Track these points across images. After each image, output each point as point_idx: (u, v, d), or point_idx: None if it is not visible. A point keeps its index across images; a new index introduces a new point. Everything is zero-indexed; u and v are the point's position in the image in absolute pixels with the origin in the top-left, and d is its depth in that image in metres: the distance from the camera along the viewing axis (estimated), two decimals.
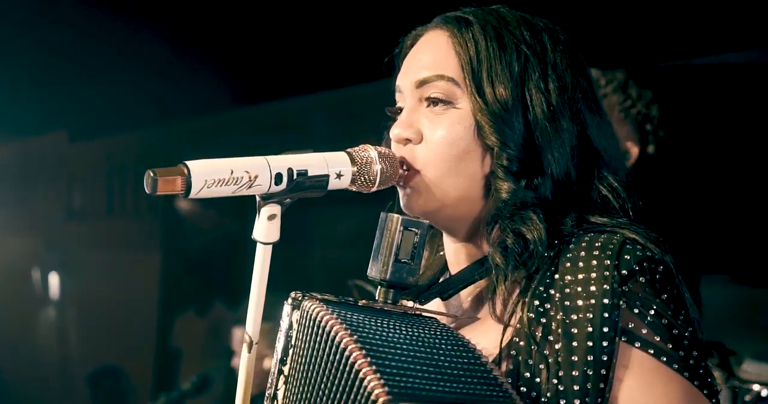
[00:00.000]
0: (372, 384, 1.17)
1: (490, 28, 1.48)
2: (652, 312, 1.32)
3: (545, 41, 1.50)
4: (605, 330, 1.30)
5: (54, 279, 8.14)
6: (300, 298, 1.43)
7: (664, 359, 1.31)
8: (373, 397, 1.17)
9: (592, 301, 1.32)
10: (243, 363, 1.48)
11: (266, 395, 1.49)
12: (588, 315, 1.31)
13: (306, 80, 6.73)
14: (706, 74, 4.67)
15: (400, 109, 1.55)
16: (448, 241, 1.56)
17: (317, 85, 6.79)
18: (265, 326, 1.40)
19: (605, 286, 1.32)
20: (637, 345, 1.31)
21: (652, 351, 1.31)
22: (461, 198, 1.47)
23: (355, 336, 1.26)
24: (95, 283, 7.80)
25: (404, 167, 1.49)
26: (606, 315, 1.31)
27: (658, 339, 1.31)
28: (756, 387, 3.21)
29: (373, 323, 1.33)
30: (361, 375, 1.21)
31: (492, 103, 1.43)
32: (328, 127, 7.05)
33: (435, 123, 1.47)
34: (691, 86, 4.54)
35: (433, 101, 1.49)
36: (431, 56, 1.51)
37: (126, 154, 8.20)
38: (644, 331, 1.31)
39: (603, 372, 1.30)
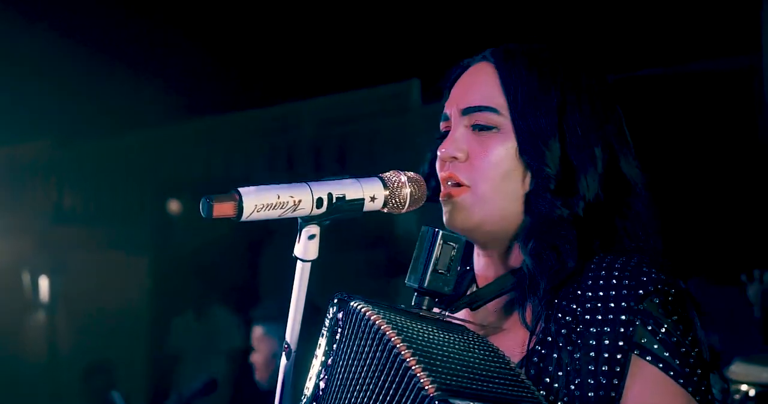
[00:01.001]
0: (423, 380, 1.29)
1: (533, 62, 1.60)
2: (663, 330, 1.44)
3: (581, 76, 1.61)
4: (620, 343, 1.43)
5: (44, 283, 8.18)
6: (346, 299, 1.55)
7: (671, 373, 1.43)
8: (424, 392, 1.29)
9: (610, 316, 1.45)
10: (281, 368, 1.61)
11: (306, 387, 1.59)
12: (605, 328, 1.45)
13: (297, 86, 6.82)
14: (652, 85, 4.80)
15: (446, 134, 1.66)
16: (479, 256, 1.68)
17: (308, 91, 6.88)
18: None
19: (623, 304, 1.44)
20: (648, 359, 1.44)
21: (661, 366, 1.43)
22: (502, 215, 1.59)
23: (402, 336, 1.38)
24: (85, 286, 7.84)
25: (450, 183, 1.61)
26: (622, 330, 1.44)
27: (667, 354, 1.43)
28: (744, 387, 3.34)
29: (415, 325, 1.46)
30: (410, 372, 1.33)
31: (533, 128, 1.56)
32: (317, 133, 7.13)
33: (480, 144, 1.59)
34: (639, 97, 4.67)
35: (479, 126, 1.61)
36: (478, 87, 1.62)
37: (115, 158, 8.24)
38: (655, 347, 1.43)
39: (615, 381, 1.43)
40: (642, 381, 1.45)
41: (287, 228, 1.56)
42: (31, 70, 6.69)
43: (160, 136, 7.88)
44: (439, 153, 1.63)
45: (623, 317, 1.45)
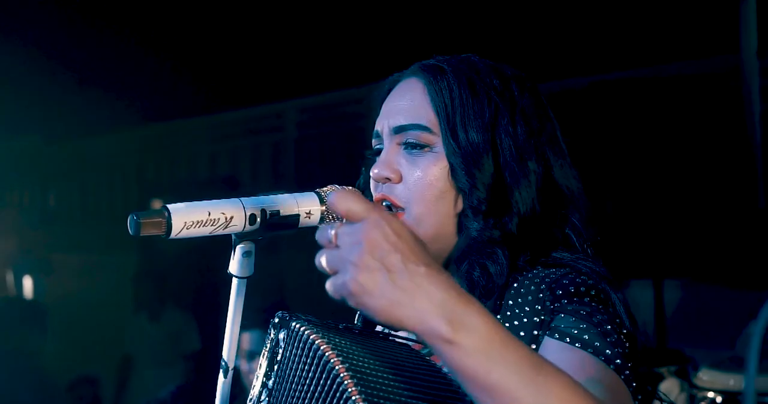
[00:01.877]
0: (354, 397, 1.29)
1: (463, 76, 1.57)
2: (574, 318, 1.42)
3: (513, 88, 1.58)
4: (535, 332, 1.44)
5: (28, 282, 8.15)
6: (287, 318, 1.52)
7: (578, 345, 1.39)
8: None
9: (525, 320, 1.45)
10: (219, 386, 1.59)
11: None
12: (521, 333, 1.45)
13: (280, 87, 6.80)
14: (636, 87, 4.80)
15: (379, 151, 1.64)
16: None
17: (291, 91, 6.87)
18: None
19: (537, 306, 1.45)
20: (556, 337, 1.41)
21: (568, 340, 1.40)
22: (437, 235, 1.57)
23: (342, 357, 1.36)
24: (69, 286, 7.82)
25: (384, 203, 1.58)
26: (535, 332, 1.44)
27: (575, 331, 1.40)
28: (710, 394, 3.33)
29: (353, 344, 1.43)
30: (346, 393, 1.31)
31: (464, 148, 1.53)
32: (299, 133, 7.11)
33: (412, 164, 1.57)
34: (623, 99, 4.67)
35: (410, 145, 1.58)
36: (408, 103, 1.60)
37: (100, 158, 8.22)
38: (562, 326, 1.41)
39: None
40: (550, 356, 1.42)
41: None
42: (16, 70, 6.66)
43: (145, 137, 7.86)
44: (371, 174, 1.61)
45: (536, 319, 1.45)
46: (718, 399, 3.30)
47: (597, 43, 4.90)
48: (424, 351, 1.54)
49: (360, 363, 1.38)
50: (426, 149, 1.57)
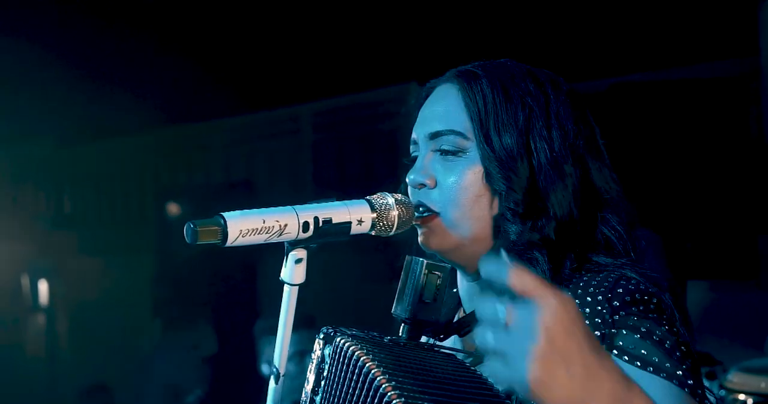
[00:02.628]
0: None
1: (497, 81, 1.58)
2: (638, 335, 1.40)
3: (548, 92, 1.59)
4: None
5: (43, 286, 8.18)
6: (332, 334, 1.53)
7: (651, 369, 1.39)
8: None
9: None
10: (270, 392, 1.59)
11: None
12: None
13: (296, 90, 6.81)
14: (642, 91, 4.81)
15: (416, 158, 1.65)
16: (461, 279, 1.67)
17: (307, 95, 6.88)
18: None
19: (597, 320, 1.43)
20: (625, 359, 1.40)
21: (639, 364, 1.40)
22: (473, 238, 1.57)
23: (383, 369, 1.36)
24: (84, 290, 7.84)
25: (421, 209, 1.59)
26: (601, 344, 1.38)
27: (644, 352, 1.40)
28: (742, 396, 3.33)
29: (398, 358, 1.43)
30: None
31: (498, 152, 1.54)
32: (316, 136, 7.12)
33: (447, 169, 1.58)
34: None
35: (445, 151, 1.60)
36: (442, 109, 1.61)
37: (115, 161, 8.24)
38: (631, 347, 1.40)
39: None
40: None
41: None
42: (30, 73, 6.68)
43: (160, 140, 7.88)
44: (407, 180, 1.63)
45: (597, 333, 1.42)
46: (750, 401, 3.30)
47: (617, 45, 4.90)
48: (469, 361, 1.55)
49: (405, 379, 1.37)
50: (460, 154, 1.58)
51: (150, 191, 7.96)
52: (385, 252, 6.01)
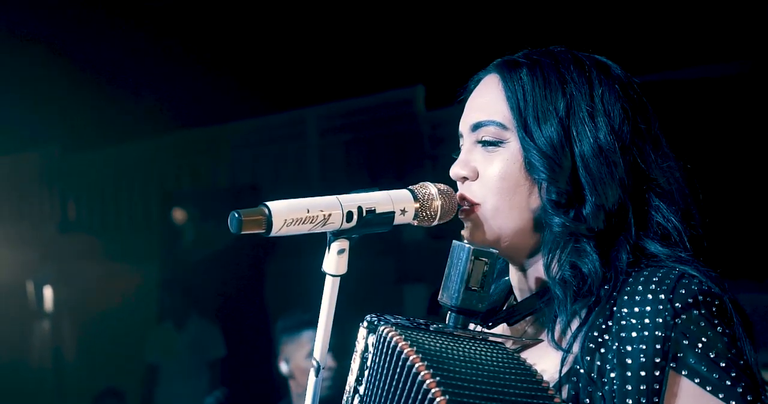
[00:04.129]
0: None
1: (538, 68, 1.56)
2: (701, 345, 1.39)
3: (593, 78, 1.56)
4: (657, 360, 1.39)
5: (48, 292, 8.15)
6: (375, 322, 1.52)
7: (709, 389, 1.38)
8: None
9: (646, 333, 1.40)
10: (310, 385, 1.58)
11: None
12: (642, 346, 1.40)
13: (301, 94, 6.81)
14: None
15: (460, 151, 1.65)
16: (512, 268, 1.65)
17: (313, 98, 6.87)
18: None
19: (658, 319, 1.40)
20: (684, 374, 1.39)
21: (698, 381, 1.38)
22: (516, 229, 1.56)
23: (427, 362, 1.35)
24: (89, 296, 7.81)
25: (465, 203, 1.58)
26: (658, 346, 1.39)
27: (704, 369, 1.38)
28: None
29: (443, 348, 1.42)
30: (431, 397, 1.30)
31: (538, 140, 1.52)
32: (322, 140, 7.11)
33: (488, 160, 1.57)
34: None
35: (485, 142, 1.58)
36: (484, 100, 1.60)
37: (119, 167, 8.22)
38: (692, 361, 1.39)
39: (655, 399, 1.39)
40: (679, 398, 1.41)
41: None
42: (35, 79, 6.67)
43: (165, 145, 7.87)
44: (450, 174, 1.62)
45: (659, 333, 1.40)
46: None
47: (631, 47, 4.90)
48: (516, 350, 1.53)
49: (448, 367, 1.36)
50: (500, 145, 1.57)
51: (155, 196, 7.95)
52: (393, 255, 6.01)
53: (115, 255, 7.94)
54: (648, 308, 1.42)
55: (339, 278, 1.51)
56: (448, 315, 1.53)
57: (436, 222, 1.56)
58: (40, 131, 7.51)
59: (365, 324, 1.53)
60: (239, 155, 7.59)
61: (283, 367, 4.12)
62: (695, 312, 1.41)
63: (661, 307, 1.41)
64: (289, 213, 1.42)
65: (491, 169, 1.56)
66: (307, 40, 6.53)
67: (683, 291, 1.42)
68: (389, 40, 6.17)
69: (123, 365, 7.09)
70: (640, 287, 1.44)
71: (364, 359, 1.52)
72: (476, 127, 1.60)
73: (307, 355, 3.97)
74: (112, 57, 6.78)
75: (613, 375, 1.42)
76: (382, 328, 1.47)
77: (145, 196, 8.07)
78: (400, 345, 1.40)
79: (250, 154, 7.51)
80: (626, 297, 1.45)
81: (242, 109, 7.11)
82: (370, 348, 1.50)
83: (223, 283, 6.73)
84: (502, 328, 1.63)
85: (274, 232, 1.42)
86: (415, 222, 1.56)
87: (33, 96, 6.69)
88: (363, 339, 1.53)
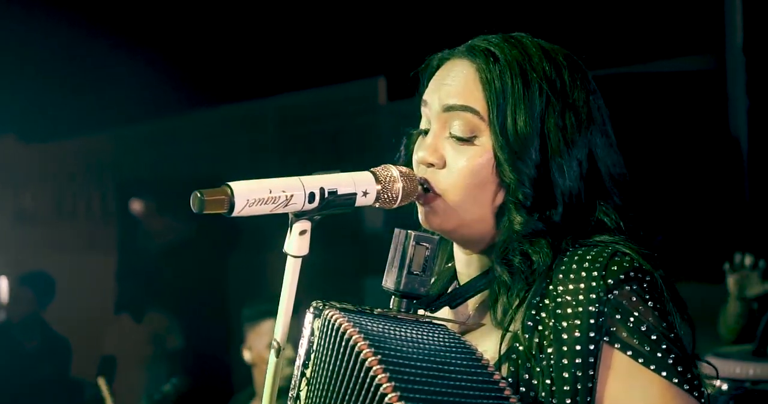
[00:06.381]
0: (385, 387, 1.30)
1: (516, 64, 1.55)
2: (633, 319, 1.43)
3: (565, 77, 1.57)
4: (591, 334, 1.43)
5: (3, 283, 8.06)
6: (321, 307, 1.53)
7: (641, 361, 1.42)
8: (386, 400, 1.29)
9: (580, 309, 1.43)
10: (270, 367, 1.59)
11: (290, 395, 1.59)
12: (576, 321, 1.43)
13: (261, 85, 6.79)
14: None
15: (424, 131, 1.63)
16: (459, 253, 1.66)
17: (272, 89, 6.85)
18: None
19: (592, 295, 1.43)
20: (617, 347, 1.43)
21: (630, 353, 1.42)
22: (476, 220, 1.57)
23: (369, 342, 1.37)
24: None
25: (425, 187, 1.58)
26: (592, 321, 1.43)
27: (636, 342, 1.42)
28: (717, 382, 3.38)
29: (386, 329, 1.44)
30: (376, 381, 1.32)
31: (512, 139, 1.52)
32: (282, 133, 7.10)
33: (458, 152, 1.56)
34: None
35: (458, 136, 1.56)
36: (461, 85, 1.58)
37: (77, 157, 8.15)
38: (624, 334, 1.42)
39: (590, 372, 1.43)
40: (614, 371, 1.45)
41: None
42: None
43: (123, 136, 7.81)
44: (415, 156, 1.61)
45: (592, 308, 1.44)
46: (724, 386, 3.35)
47: (583, 41, 4.94)
48: (459, 332, 1.55)
49: (390, 347, 1.38)
50: (473, 139, 1.56)
51: (112, 188, 7.90)
52: (353, 246, 6.03)
53: (72, 245, 7.88)
54: (582, 285, 1.45)
55: (300, 260, 1.51)
56: (392, 299, 1.56)
57: (396, 205, 1.57)
58: None
59: (311, 309, 1.55)
60: (198, 146, 7.55)
61: (246, 355, 4.16)
62: (627, 287, 1.44)
63: (594, 284, 1.44)
64: (251, 193, 1.43)
65: (461, 163, 1.56)
66: (267, 31, 6.52)
67: (615, 268, 1.45)
68: (350, 32, 6.18)
69: (83, 357, 7.05)
70: (574, 265, 1.48)
71: (310, 343, 1.54)
72: (450, 108, 1.58)
73: (267, 345, 3.98)
74: (69, 47, 6.73)
75: (550, 350, 1.45)
76: (327, 312, 1.49)
77: (102, 187, 8.01)
78: (343, 326, 1.42)
79: (209, 145, 7.48)
80: (561, 276, 1.48)
81: (202, 99, 7.09)
82: (316, 332, 1.52)
83: (182, 274, 6.71)
84: (445, 312, 1.65)
85: (236, 212, 1.42)
86: (377, 205, 1.56)
87: None
88: (309, 324, 1.55)
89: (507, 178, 1.53)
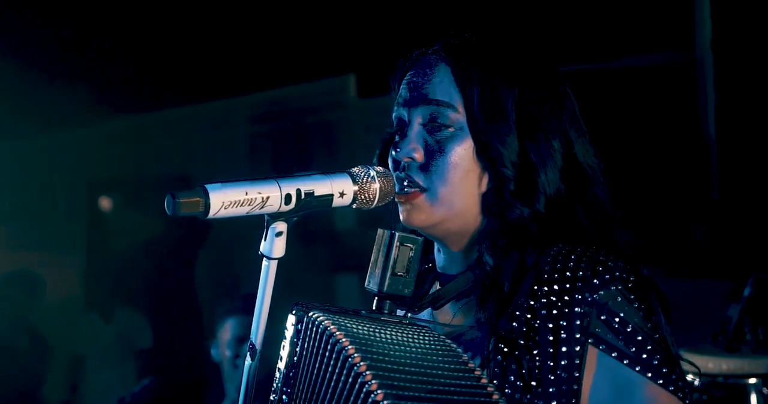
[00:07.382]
0: (377, 394, 1.28)
1: (488, 58, 1.58)
2: (618, 320, 1.44)
3: (537, 69, 1.60)
4: (577, 336, 1.44)
5: None
6: (304, 309, 1.52)
7: (626, 362, 1.43)
8: (371, 400, 1.28)
9: (566, 310, 1.45)
10: (246, 369, 1.57)
11: (271, 399, 1.57)
12: (562, 322, 1.44)
13: (231, 82, 6.76)
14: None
15: (399, 129, 1.64)
16: (440, 252, 1.66)
17: (242, 86, 6.82)
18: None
19: (577, 296, 1.44)
20: (602, 348, 1.44)
21: (615, 354, 1.44)
22: (460, 213, 1.57)
23: (356, 346, 1.37)
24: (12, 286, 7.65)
25: (405, 184, 1.58)
26: (578, 322, 1.44)
27: (622, 343, 1.43)
28: (689, 377, 3.40)
29: (372, 332, 1.44)
30: (366, 387, 1.31)
31: (490, 128, 1.54)
32: (252, 130, 7.07)
33: (437, 144, 1.57)
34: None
35: (434, 125, 1.58)
36: (435, 81, 1.59)
37: (45, 155, 8.06)
38: (610, 336, 1.44)
39: (576, 374, 1.44)
40: (599, 373, 1.45)
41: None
42: None
43: (92, 133, 7.74)
44: (393, 153, 1.61)
45: (578, 309, 1.45)
46: (697, 381, 3.37)
47: (554, 36, 4.95)
48: (444, 333, 1.54)
49: (377, 350, 1.37)
50: (450, 129, 1.57)
51: (80, 186, 7.82)
52: (326, 244, 6.02)
53: (39, 244, 7.79)
54: (567, 285, 1.46)
55: (276, 261, 1.49)
56: (375, 300, 1.56)
57: (374, 205, 1.56)
58: None
59: (294, 311, 1.53)
60: (168, 143, 7.49)
61: (214, 354, 4.16)
62: (612, 288, 1.45)
63: (580, 284, 1.45)
64: (227, 196, 1.41)
65: (442, 156, 1.57)
66: (238, 28, 6.48)
67: (600, 269, 1.46)
68: (321, 29, 6.16)
69: (51, 356, 6.98)
70: (559, 265, 1.49)
71: (293, 345, 1.52)
72: (426, 104, 1.59)
73: (226, 344, 4.00)
74: (37, 45, 6.66)
75: (535, 351, 1.46)
76: (312, 314, 1.48)
77: (70, 184, 7.93)
78: (329, 329, 1.41)
79: (179, 141, 7.42)
80: (546, 276, 1.49)
81: (171, 96, 7.03)
82: (300, 335, 1.51)
83: (151, 273, 6.66)
84: (428, 313, 1.65)
85: (211, 215, 1.41)
86: (354, 206, 1.55)
87: None
88: (292, 325, 1.54)
89: (489, 163, 1.54)
